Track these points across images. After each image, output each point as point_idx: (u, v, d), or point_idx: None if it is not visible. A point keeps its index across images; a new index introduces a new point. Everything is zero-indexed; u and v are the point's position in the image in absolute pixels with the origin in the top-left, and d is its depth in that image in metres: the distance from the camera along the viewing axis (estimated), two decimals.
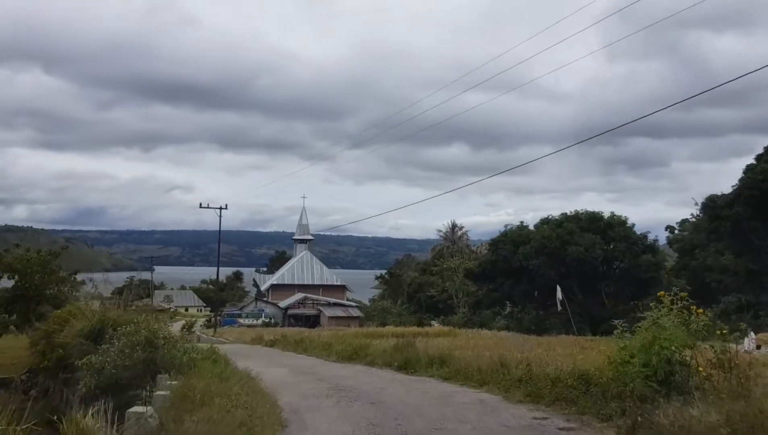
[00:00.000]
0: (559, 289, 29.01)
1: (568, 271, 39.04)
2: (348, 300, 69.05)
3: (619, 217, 42.03)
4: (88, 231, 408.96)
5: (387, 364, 14.62)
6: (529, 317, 39.62)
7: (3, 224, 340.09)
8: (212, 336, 33.65)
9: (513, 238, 41.66)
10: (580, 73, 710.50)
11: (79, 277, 31.19)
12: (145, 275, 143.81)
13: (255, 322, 56.30)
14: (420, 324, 52.51)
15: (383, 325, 55.98)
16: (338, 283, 72.20)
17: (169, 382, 8.58)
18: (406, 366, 13.78)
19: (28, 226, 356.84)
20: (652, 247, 41.20)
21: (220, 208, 37.82)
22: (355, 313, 59.07)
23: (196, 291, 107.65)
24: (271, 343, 22.11)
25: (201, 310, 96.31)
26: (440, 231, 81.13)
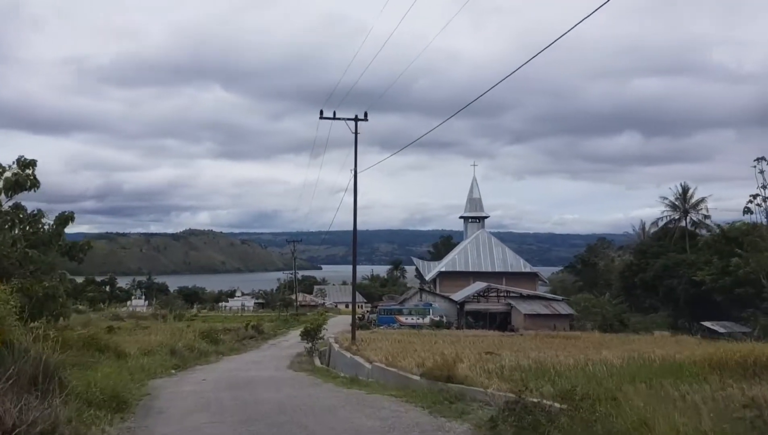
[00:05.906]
0: None
1: None
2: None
3: None
4: (261, 233, 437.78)
5: None
6: None
7: (188, 228, 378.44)
8: (344, 350, 18.24)
9: None
10: (764, 50, 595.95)
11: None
12: (312, 273, 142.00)
13: (421, 320, 40.99)
14: (675, 326, 32.83)
15: (605, 328, 37.36)
16: (527, 270, 53.97)
17: None
18: None
19: (209, 230, 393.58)
20: None
21: (356, 119, 22.61)
22: (563, 309, 40.68)
23: (356, 287, 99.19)
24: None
25: (362, 306, 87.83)
26: (665, 198, 58.85)
